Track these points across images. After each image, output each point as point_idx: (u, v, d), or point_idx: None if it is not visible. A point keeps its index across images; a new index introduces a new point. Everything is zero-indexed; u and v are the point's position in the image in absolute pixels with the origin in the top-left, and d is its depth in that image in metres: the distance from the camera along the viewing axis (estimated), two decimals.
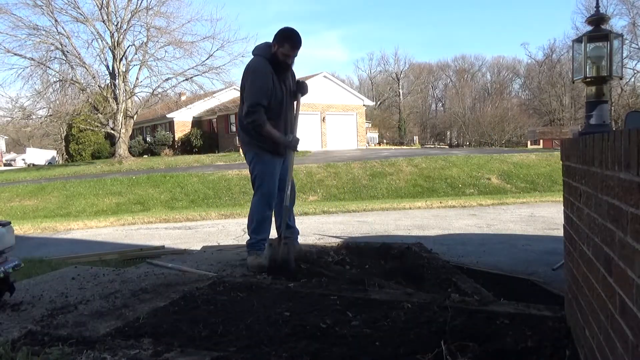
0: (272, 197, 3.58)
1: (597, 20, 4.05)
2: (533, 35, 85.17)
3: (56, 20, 21.28)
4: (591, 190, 1.53)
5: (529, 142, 32.16)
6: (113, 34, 22.27)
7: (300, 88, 3.71)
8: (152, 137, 33.47)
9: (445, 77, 65.21)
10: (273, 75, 3.41)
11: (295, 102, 3.67)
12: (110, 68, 22.66)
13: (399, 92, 57.53)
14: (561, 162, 2.23)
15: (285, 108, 3.56)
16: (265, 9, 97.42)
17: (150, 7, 22.16)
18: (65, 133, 36.63)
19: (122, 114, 22.26)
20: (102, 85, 22.80)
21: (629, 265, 1.11)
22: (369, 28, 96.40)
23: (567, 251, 2.20)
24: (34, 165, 38.11)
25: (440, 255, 4.65)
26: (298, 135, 3.64)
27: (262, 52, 3.48)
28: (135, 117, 24.18)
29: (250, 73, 3.46)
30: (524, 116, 46.07)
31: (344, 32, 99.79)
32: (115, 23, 22.31)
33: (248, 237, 3.67)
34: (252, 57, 3.56)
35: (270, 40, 3.49)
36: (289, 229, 3.68)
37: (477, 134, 43.68)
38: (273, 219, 3.71)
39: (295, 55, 3.44)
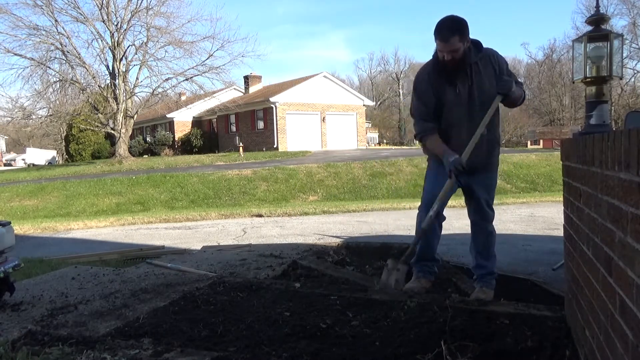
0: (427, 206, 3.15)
1: (597, 20, 4.05)
2: (533, 35, 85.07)
3: (56, 20, 21.25)
4: (591, 190, 1.53)
5: (529, 142, 32.13)
6: (113, 34, 22.24)
7: (500, 86, 2.91)
8: (152, 137, 33.46)
9: None
10: (435, 78, 2.92)
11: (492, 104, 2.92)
12: (110, 68, 22.64)
13: (399, 92, 57.46)
14: (561, 162, 2.23)
15: (465, 115, 2.94)
16: (271, 9, 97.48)
17: (150, 7, 22.13)
18: (65, 133, 36.60)
19: (122, 114, 22.23)
20: (102, 85, 22.75)
21: (629, 265, 1.11)
22: (371, 28, 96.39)
23: (567, 251, 2.20)
24: (34, 165, 38.10)
25: (440, 255, 4.64)
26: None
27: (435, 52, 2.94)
28: (135, 117, 24.13)
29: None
30: (524, 116, 46.00)
31: (348, 32, 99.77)
32: (115, 23, 22.28)
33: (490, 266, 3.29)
34: None
35: None
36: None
37: None
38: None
39: (455, 50, 2.76)
